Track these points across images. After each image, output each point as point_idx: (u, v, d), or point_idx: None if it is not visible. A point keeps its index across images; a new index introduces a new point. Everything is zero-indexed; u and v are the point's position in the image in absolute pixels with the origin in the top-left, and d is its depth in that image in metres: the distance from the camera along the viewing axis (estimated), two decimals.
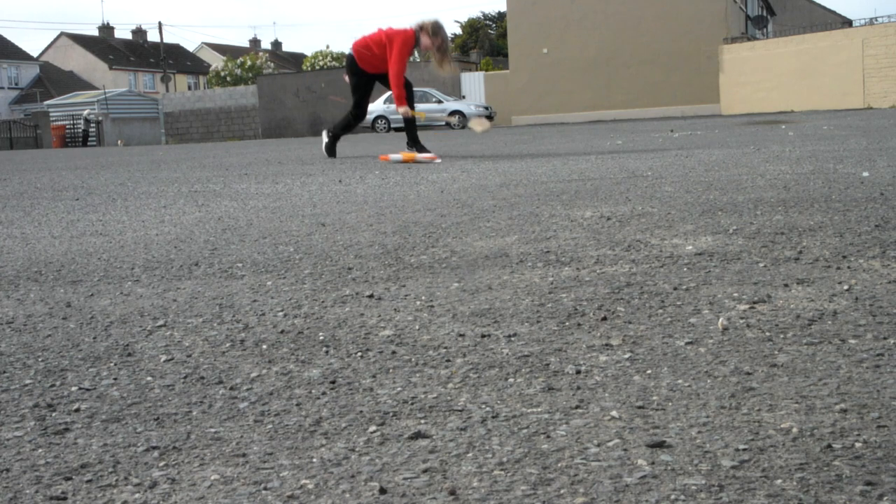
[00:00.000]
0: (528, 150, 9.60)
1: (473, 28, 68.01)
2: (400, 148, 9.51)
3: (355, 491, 1.02)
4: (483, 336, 1.69)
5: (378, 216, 3.74)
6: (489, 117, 30.71)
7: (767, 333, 1.61)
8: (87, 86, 61.38)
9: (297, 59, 79.14)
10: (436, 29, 8.45)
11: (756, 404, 1.25)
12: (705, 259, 2.37)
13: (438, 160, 8.07)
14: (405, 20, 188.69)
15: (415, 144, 8.79)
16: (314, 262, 2.64)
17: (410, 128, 8.87)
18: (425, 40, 8.37)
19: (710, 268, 2.25)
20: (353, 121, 8.95)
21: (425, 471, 1.07)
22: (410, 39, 8.36)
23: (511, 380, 1.42)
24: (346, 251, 2.81)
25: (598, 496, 0.97)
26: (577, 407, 1.27)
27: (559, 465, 1.07)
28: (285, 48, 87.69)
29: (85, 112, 38.07)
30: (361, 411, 1.30)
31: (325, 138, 9.32)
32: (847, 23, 46.36)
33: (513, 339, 1.66)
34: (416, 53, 9.00)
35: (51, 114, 39.78)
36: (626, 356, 1.51)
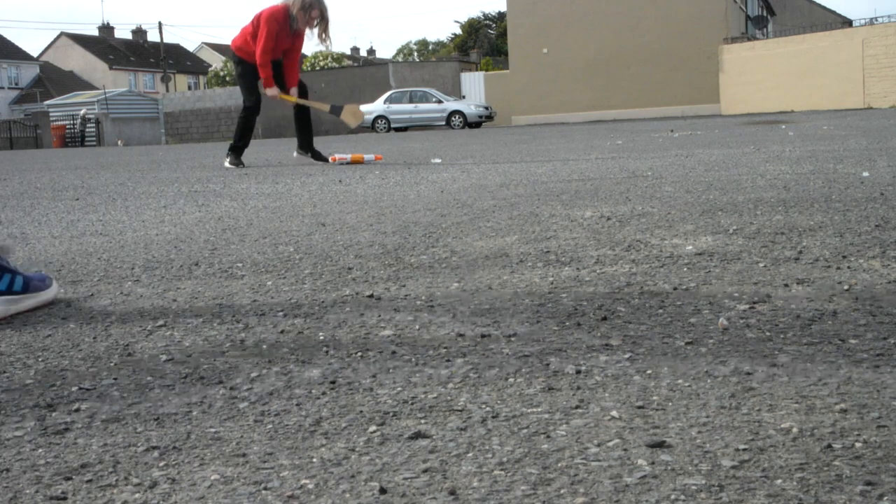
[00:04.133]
0: (528, 150, 9.60)
1: (473, 28, 68.00)
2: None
3: (355, 491, 1.02)
4: (483, 336, 1.69)
5: (378, 216, 3.74)
6: (489, 117, 30.70)
7: (767, 333, 1.61)
8: (87, 86, 61.35)
9: None
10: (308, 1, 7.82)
11: (756, 404, 1.25)
12: (705, 259, 2.36)
13: (346, 160, 8.16)
14: (402, 20, 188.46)
15: (308, 149, 8.43)
16: (314, 262, 2.63)
17: (303, 129, 8.35)
18: (300, 14, 7.80)
19: (710, 268, 2.24)
20: (251, 115, 8.34)
21: (425, 471, 1.07)
22: (278, 13, 7.84)
23: (511, 380, 1.42)
24: (346, 251, 2.81)
25: (598, 496, 0.97)
26: (577, 407, 1.27)
27: (559, 465, 1.07)
28: None
29: (81, 111, 38.08)
30: (361, 411, 1.30)
31: (228, 162, 8.53)
32: (847, 23, 46.35)
33: (513, 339, 1.66)
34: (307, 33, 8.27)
35: (51, 114, 39.76)
36: (626, 356, 1.51)
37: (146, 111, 41.29)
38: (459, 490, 1.01)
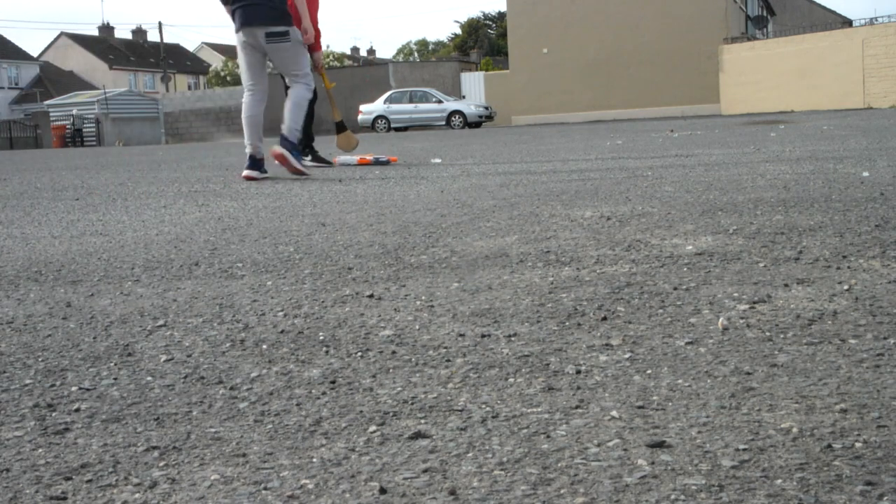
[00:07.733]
0: (528, 150, 9.60)
1: (473, 28, 67.99)
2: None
3: (355, 491, 1.02)
4: (483, 336, 1.69)
5: (378, 216, 3.74)
6: (489, 117, 30.70)
7: (767, 333, 1.61)
8: (87, 86, 61.31)
9: None
10: None
11: (756, 404, 1.25)
12: (705, 259, 2.36)
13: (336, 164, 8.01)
14: (402, 20, 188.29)
15: (309, 151, 8.14)
16: (314, 262, 2.63)
17: (307, 128, 7.85)
18: None
19: (710, 268, 2.24)
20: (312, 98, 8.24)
21: (425, 471, 1.07)
22: None
23: (511, 380, 1.42)
24: (346, 251, 2.81)
25: (598, 496, 0.97)
26: (577, 407, 1.27)
27: (559, 465, 1.07)
28: None
29: (73, 111, 38.16)
30: (361, 411, 1.30)
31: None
32: (847, 23, 46.35)
33: (513, 339, 1.66)
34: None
35: (51, 114, 39.78)
36: (626, 356, 1.51)
37: (146, 111, 41.28)
38: (459, 490, 1.01)
